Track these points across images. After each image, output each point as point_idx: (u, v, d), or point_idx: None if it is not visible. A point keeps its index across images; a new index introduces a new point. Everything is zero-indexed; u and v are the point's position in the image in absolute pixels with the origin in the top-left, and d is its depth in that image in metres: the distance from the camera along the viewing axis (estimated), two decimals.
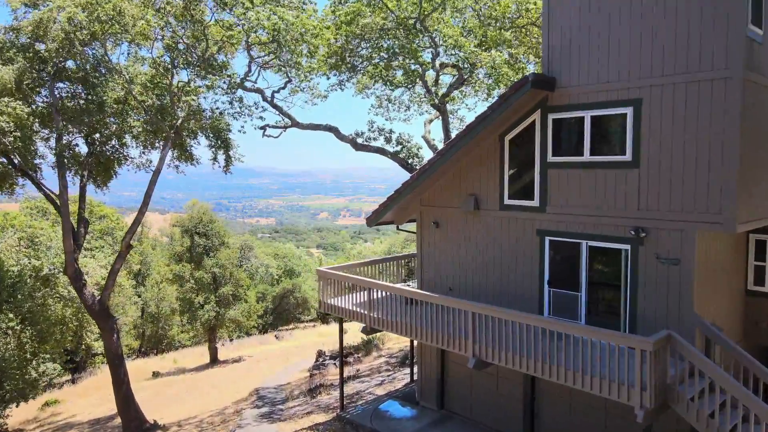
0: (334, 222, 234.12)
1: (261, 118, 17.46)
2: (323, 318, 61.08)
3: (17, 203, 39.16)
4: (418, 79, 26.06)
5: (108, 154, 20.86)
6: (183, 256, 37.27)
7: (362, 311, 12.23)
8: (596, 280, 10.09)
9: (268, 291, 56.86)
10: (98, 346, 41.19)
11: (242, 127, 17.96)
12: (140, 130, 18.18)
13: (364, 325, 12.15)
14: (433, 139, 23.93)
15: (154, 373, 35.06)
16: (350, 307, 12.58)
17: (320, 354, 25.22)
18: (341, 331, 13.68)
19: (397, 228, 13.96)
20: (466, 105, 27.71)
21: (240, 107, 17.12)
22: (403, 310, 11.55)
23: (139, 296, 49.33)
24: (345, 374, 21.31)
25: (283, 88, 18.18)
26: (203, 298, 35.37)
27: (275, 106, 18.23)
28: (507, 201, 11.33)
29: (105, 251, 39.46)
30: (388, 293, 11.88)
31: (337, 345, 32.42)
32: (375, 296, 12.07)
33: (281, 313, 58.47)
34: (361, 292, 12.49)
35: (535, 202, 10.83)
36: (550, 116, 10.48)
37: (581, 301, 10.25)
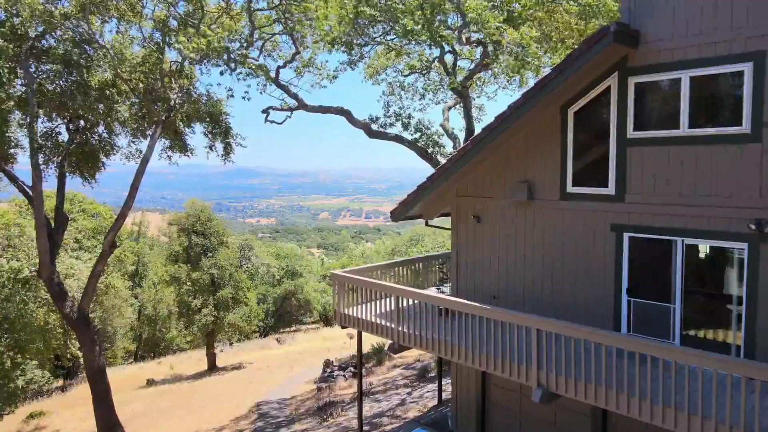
0: (334, 222, 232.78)
1: (266, 85, 15.20)
2: (326, 320, 58.94)
3: (8, 202, 37.18)
4: (435, 61, 23.89)
5: (93, 142, 18.73)
6: (179, 256, 35.11)
7: (389, 324, 10.01)
8: (696, 288, 7.88)
9: (269, 292, 54.73)
10: None
11: (246, 92, 15.58)
12: (127, 115, 15.96)
13: (391, 342, 9.94)
14: (452, 128, 21.77)
15: (148, 381, 32.88)
16: (373, 320, 10.37)
17: (327, 364, 23.02)
18: (360, 350, 11.44)
19: (426, 224, 11.76)
20: (486, 93, 25.54)
21: (245, 70, 14.71)
22: (438, 323, 9.34)
23: (136, 298, 47.46)
24: (356, 389, 19.11)
25: (290, 61, 15.94)
26: (201, 302, 33.18)
27: (280, 86, 16.01)
28: (571, 188, 9.12)
29: (98, 251, 37.20)
30: (418, 302, 9.65)
31: (345, 353, 30.31)
32: (404, 306, 9.86)
33: (283, 315, 56.35)
34: (385, 300, 10.30)
35: (610, 189, 8.61)
36: (632, 80, 8.27)
37: (674, 316, 8.04)
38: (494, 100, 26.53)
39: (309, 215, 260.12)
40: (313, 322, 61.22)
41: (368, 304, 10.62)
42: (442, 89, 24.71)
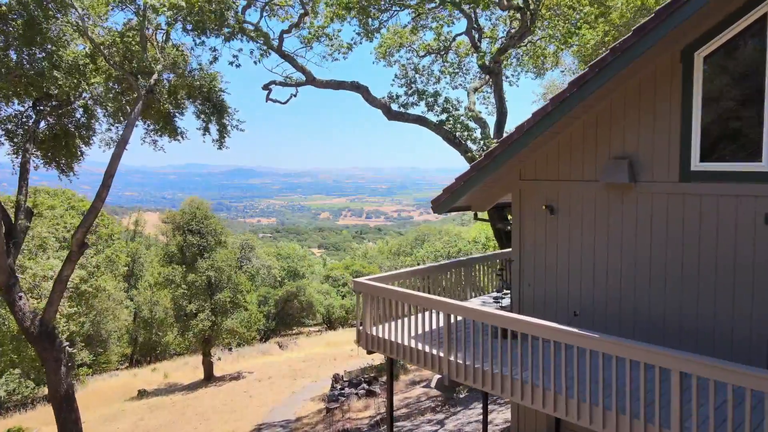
0: (335, 222, 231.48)
1: (264, 52, 12.53)
2: (330, 323, 56.36)
3: None
4: (455, 40, 21.43)
5: (71, 128, 16.20)
6: (174, 257, 32.54)
7: (434, 352, 7.40)
8: None
9: (270, 294, 52.17)
10: (84, 356, 36.66)
11: (235, 56, 12.87)
12: (102, 89, 13.37)
13: (439, 376, 7.33)
14: (479, 112, 19.23)
15: (139, 392, 30.34)
16: (412, 344, 7.75)
17: (337, 380, 20.41)
18: (391, 382, 8.76)
19: (475, 217, 9.17)
20: (506, 77, 22.95)
21: (234, 24, 11.93)
22: (495, 349, 6.75)
23: (132, 300, 45.21)
24: (373, 412, 16.52)
25: (296, 26, 13.32)
26: (196, 306, 30.58)
27: (285, 56, 13.40)
28: (698, 165, 6.50)
29: (87, 252, 34.70)
30: (468, 320, 7.04)
31: (353, 363, 27.65)
32: (453, 326, 7.26)
33: (284, 318, 53.80)
34: (425, 316, 7.72)
35: (765, 164, 6.01)
36: None
37: None
38: (516, 85, 24.03)
39: (310, 215, 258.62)
40: (315, 325, 58.81)
41: (401, 322, 8.02)
42: (460, 73, 22.20)
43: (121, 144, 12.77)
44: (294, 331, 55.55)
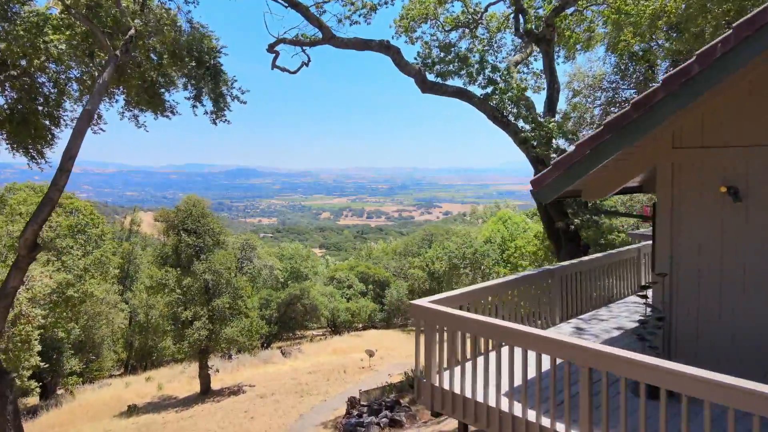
0: (336, 222, 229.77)
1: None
2: (334, 328, 53.47)
3: None
4: (486, 11, 18.68)
5: (34, 101, 13.37)
6: (168, 258, 29.66)
7: (558, 428, 4.47)
8: None
9: (272, 297, 49.32)
10: (74, 364, 33.96)
11: None
12: (64, 47, 10.45)
13: None
14: (524, 88, 16.36)
15: (129, 407, 27.44)
16: (515, 411, 4.81)
17: (353, 404, 17.49)
18: None
19: (587, 205, 6.20)
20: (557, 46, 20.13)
21: None
22: (629, 410, 3.86)
23: (127, 303, 42.47)
24: None
25: None
26: (192, 313, 27.65)
27: (296, 5, 10.50)
28: None
29: (74, 253, 31.86)
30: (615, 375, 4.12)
31: (366, 378, 24.69)
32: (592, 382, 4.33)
33: (287, 322, 50.92)
34: (504, 354, 4.81)
35: None
36: None
37: None
38: (557, 62, 21.07)
39: (310, 215, 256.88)
40: (319, 329, 56.05)
41: (475, 364, 5.10)
42: (491, 50, 19.37)
43: (85, 117, 9.80)
44: (297, 336, 52.86)
